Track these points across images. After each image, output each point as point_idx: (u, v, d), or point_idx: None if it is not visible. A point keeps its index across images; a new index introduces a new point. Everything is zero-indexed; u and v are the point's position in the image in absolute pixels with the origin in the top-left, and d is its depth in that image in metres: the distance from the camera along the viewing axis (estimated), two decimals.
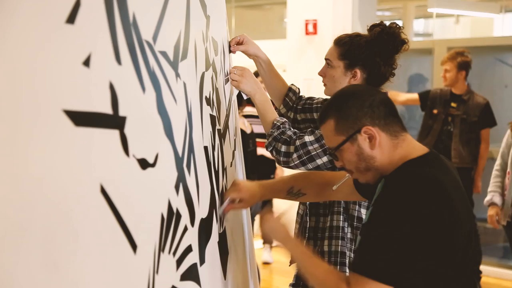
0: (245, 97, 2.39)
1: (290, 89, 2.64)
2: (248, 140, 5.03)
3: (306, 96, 2.66)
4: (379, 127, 1.69)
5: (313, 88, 7.02)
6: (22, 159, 0.86)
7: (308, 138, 2.18)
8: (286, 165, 2.24)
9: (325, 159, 2.20)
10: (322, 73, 2.36)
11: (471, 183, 5.54)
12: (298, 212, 2.40)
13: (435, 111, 5.59)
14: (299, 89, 2.68)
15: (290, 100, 2.60)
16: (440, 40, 7.26)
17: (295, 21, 7.01)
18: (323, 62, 2.36)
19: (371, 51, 2.26)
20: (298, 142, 2.18)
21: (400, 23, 7.11)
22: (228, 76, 2.34)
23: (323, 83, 2.39)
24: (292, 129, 2.26)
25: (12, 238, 0.82)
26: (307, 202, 2.33)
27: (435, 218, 1.57)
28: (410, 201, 1.58)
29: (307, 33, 6.78)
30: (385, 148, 1.70)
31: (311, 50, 6.97)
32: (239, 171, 2.46)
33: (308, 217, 2.32)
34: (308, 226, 2.32)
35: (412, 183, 1.62)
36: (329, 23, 6.63)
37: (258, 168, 4.93)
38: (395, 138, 1.71)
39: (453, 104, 5.48)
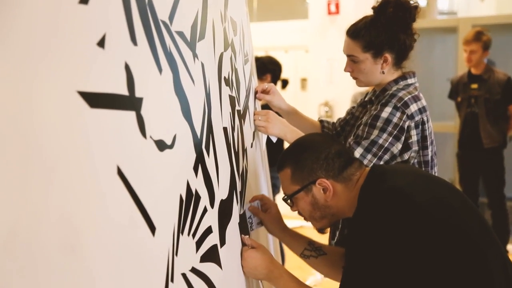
0: (274, 140, 2.41)
1: (322, 121, 2.68)
2: None
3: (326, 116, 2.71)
4: (333, 178, 1.78)
5: (336, 68, 6.97)
6: (37, 143, 0.85)
7: (366, 142, 2.18)
8: None
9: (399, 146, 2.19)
10: (349, 69, 2.33)
11: (502, 162, 5.50)
12: None
13: (459, 99, 5.55)
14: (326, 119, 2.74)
15: (329, 130, 2.63)
16: (465, 18, 7.15)
17: (317, 1, 6.96)
18: None
19: (392, 30, 2.22)
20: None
21: (424, 1, 7.02)
22: (248, 57, 2.33)
23: (352, 77, 2.36)
24: None
25: (28, 222, 0.82)
26: None
27: (399, 226, 1.61)
28: (371, 224, 1.62)
29: (329, 13, 6.74)
30: (340, 196, 1.78)
31: (333, 30, 6.91)
32: (258, 152, 2.45)
33: None
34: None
35: (365, 210, 1.66)
36: (352, 2, 6.57)
37: None
38: (349, 181, 1.79)
39: (473, 86, 5.43)
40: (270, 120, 2.30)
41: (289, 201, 1.87)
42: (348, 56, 2.29)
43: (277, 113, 2.60)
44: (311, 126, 2.62)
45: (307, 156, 1.78)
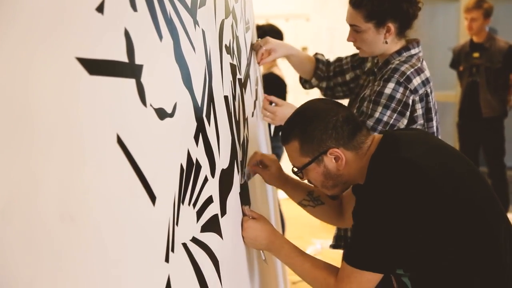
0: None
1: (318, 60, 2.63)
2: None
3: (332, 59, 2.65)
4: (343, 147, 1.74)
5: (337, 37, 6.92)
6: (35, 111, 0.83)
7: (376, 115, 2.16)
8: None
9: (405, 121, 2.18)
10: (351, 39, 2.30)
11: (502, 131, 5.50)
12: None
13: (461, 68, 5.52)
14: (323, 55, 2.68)
15: (322, 72, 2.61)
16: None
17: None
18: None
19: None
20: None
21: None
22: (249, 25, 2.30)
23: (355, 47, 2.34)
24: None
25: (27, 190, 0.80)
26: None
27: (409, 199, 1.60)
28: (382, 192, 1.61)
29: None
30: (351, 164, 1.75)
31: None
32: (260, 121, 2.43)
33: None
34: None
35: (376, 180, 1.65)
36: None
37: None
38: (360, 149, 1.76)
39: (475, 55, 5.41)
40: (277, 119, 2.30)
41: (299, 173, 1.84)
42: (351, 25, 2.26)
43: None
44: (309, 62, 2.61)
45: (315, 127, 1.73)
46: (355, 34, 2.25)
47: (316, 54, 2.65)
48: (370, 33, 2.21)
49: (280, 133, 1.86)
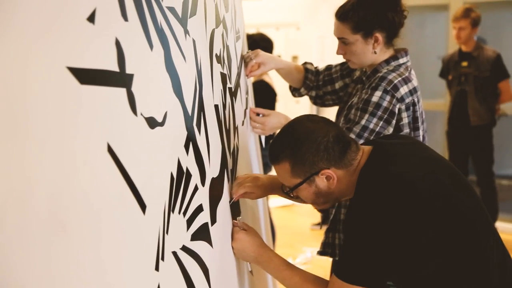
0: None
1: (307, 70, 2.64)
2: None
3: (322, 67, 2.66)
4: (335, 166, 1.72)
5: (327, 45, 6.95)
6: (25, 118, 0.83)
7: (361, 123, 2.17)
8: None
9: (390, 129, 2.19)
10: (341, 52, 2.32)
11: (491, 140, 5.52)
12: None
13: (450, 77, 5.56)
14: (312, 64, 2.69)
15: (311, 82, 2.63)
16: None
17: None
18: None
19: (380, 9, 2.21)
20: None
21: None
22: (239, 34, 2.31)
23: (345, 60, 2.36)
24: None
25: (18, 199, 0.81)
26: None
27: (399, 213, 1.59)
28: (371, 207, 1.61)
29: None
30: (342, 180, 1.76)
31: (324, 7, 6.88)
32: (250, 130, 2.44)
33: (340, 208, 2.31)
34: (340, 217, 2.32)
35: (365, 196, 1.65)
36: None
37: None
38: (350, 166, 1.75)
39: (463, 64, 5.45)
40: (267, 129, 2.33)
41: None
42: (339, 38, 2.28)
43: None
44: (298, 72, 2.63)
45: (306, 150, 1.70)
46: (344, 46, 2.26)
47: (305, 63, 2.66)
48: (358, 45, 2.22)
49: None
